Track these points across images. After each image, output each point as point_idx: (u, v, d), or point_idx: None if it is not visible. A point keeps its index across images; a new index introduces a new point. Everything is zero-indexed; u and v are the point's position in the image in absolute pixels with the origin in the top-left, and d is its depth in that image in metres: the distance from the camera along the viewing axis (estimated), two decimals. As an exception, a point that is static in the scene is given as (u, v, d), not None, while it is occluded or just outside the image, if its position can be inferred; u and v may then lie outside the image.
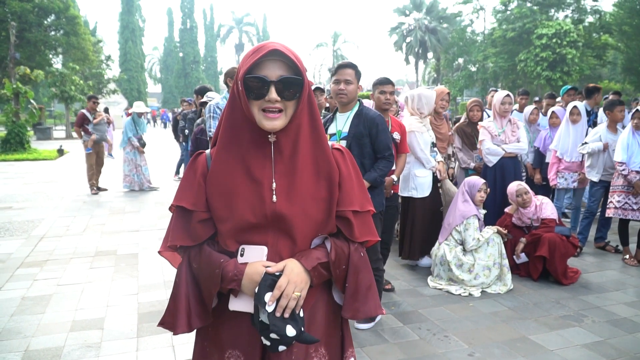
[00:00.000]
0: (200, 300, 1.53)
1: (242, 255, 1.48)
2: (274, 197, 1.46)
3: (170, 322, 1.54)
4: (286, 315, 1.39)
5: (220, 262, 1.47)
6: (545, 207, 5.04)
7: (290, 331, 1.37)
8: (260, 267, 1.43)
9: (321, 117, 4.85)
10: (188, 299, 1.53)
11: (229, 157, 1.49)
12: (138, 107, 10.51)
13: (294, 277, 1.43)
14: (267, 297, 1.38)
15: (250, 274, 1.43)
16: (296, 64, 1.42)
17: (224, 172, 1.49)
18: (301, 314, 1.44)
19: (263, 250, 1.48)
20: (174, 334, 1.54)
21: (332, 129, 3.75)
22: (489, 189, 5.02)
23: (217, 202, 1.49)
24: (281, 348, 1.39)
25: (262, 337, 1.40)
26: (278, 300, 1.39)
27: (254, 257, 1.47)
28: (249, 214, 1.46)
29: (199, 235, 1.51)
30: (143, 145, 10.25)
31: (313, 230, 1.52)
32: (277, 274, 1.42)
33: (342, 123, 3.72)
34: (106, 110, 18.66)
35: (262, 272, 1.41)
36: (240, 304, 1.48)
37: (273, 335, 1.37)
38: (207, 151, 1.58)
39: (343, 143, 3.60)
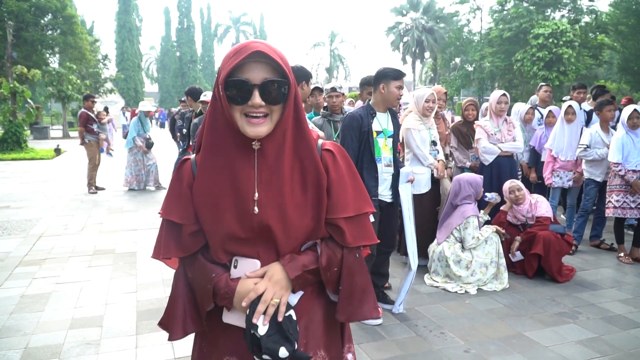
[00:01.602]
0: (196, 306, 1.52)
1: (235, 267, 1.46)
2: (256, 208, 1.40)
3: (167, 325, 1.55)
4: (265, 323, 1.37)
5: (212, 277, 1.44)
6: (540, 205, 5.09)
7: (283, 353, 1.35)
8: (252, 284, 1.40)
9: (319, 117, 4.90)
10: (184, 305, 1.52)
11: (213, 166, 1.42)
12: (144, 106, 10.49)
13: (274, 283, 1.41)
14: (258, 320, 1.37)
15: (241, 293, 1.40)
16: (281, 66, 1.34)
17: (209, 182, 1.43)
18: (297, 329, 1.41)
19: (256, 264, 1.44)
20: (169, 340, 1.54)
21: (377, 127, 4.01)
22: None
23: (204, 214, 1.45)
24: None
25: (254, 357, 1.39)
26: (256, 306, 1.38)
27: (247, 271, 1.45)
28: (235, 227, 1.42)
29: (190, 247, 1.49)
30: (150, 146, 10.22)
31: (303, 239, 1.47)
32: None
33: (385, 122, 4.08)
34: (106, 110, 18.73)
35: (251, 289, 1.40)
36: (233, 318, 1.47)
37: (266, 357, 1.35)
38: (193, 156, 1.51)
39: (390, 140, 4.08)
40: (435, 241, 4.97)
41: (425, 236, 5.09)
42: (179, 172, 1.52)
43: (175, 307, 1.52)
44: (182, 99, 11.90)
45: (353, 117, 3.97)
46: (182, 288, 1.53)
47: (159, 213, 1.55)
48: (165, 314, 1.57)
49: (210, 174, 1.43)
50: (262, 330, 1.36)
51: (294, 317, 1.41)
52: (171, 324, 1.52)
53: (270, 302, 1.38)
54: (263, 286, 1.40)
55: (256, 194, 1.40)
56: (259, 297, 1.39)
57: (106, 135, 10.10)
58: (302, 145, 1.44)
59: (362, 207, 1.51)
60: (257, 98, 1.31)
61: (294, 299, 1.47)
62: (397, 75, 3.96)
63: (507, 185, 5.19)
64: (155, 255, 1.57)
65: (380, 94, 4.02)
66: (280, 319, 1.39)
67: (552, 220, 5.08)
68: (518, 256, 5.03)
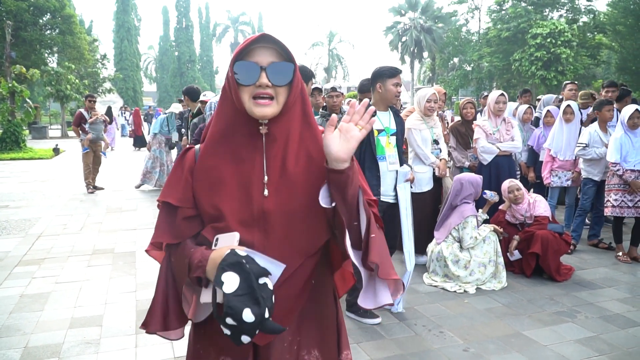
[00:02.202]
0: (178, 300, 1.50)
1: (215, 244, 1.40)
2: (265, 191, 1.42)
3: (148, 322, 1.52)
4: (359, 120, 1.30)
5: (190, 251, 1.42)
6: (539, 205, 5.11)
7: (248, 316, 1.21)
8: (226, 250, 1.33)
9: (318, 117, 4.93)
10: (166, 297, 1.50)
11: (218, 151, 1.46)
12: (177, 108, 10.54)
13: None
14: (225, 277, 1.24)
15: (214, 258, 1.33)
16: (287, 50, 1.41)
17: (212, 166, 1.45)
18: (272, 300, 1.29)
19: (234, 236, 1.39)
20: (146, 332, 1.50)
21: (378, 126, 4.01)
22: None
23: (204, 197, 1.45)
24: (244, 338, 1.25)
25: (221, 326, 1.26)
26: (239, 272, 1.26)
27: (226, 244, 1.37)
28: (237, 209, 1.42)
29: (183, 233, 1.47)
30: (172, 147, 10.31)
31: (305, 224, 1.44)
32: (243, 253, 1.31)
33: (387, 121, 4.06)
34: (109, 109, 18.72)
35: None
36: (209, 296, 1.34)
37: (229, 321, 1.22)
38: (197, 146, 1.53)
39: (393, 138, 4.06)
40: (434, 241, 4.99)
41: (427, 234, 5.11)
42: (181, 159, 1.54)
43: (156, 300, 1.50)
44: (181, 99, 11.92)
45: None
46: (164, 280, 1.51)
47: (157, 200, 1.55)
48: (147, 312, 1.54)
49: (214, 158, 1.46)
50: (229, 287, 1.23)
51: (270, 287, 1.30)
52: (150, 316, 1.50)
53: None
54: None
55: (265, 177, 1.43)
56: (239, 258, 1.29)
57: (96, 135, 10.09)
58: (308, 133, 1.48)
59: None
60: (264, 78, 1.38)
61: (277, 270, 1.37)
62: (393, 72, 3.96)
63: (506, 184, 5.21)
64: (149, 245, 1.57)
65: (378, 94, 4.03)
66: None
67: (551, 219, 5.10)
68: (516, 255, 5.04)
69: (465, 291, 4.62)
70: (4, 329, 3.80)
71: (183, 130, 10.36)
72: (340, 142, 1.30)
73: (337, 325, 1.64)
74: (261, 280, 1.28)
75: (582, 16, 32.10)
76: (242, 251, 1.32)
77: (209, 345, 1.52)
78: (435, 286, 4.75)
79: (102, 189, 10.26)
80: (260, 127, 1.43)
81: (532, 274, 4.99)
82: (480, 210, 5.08)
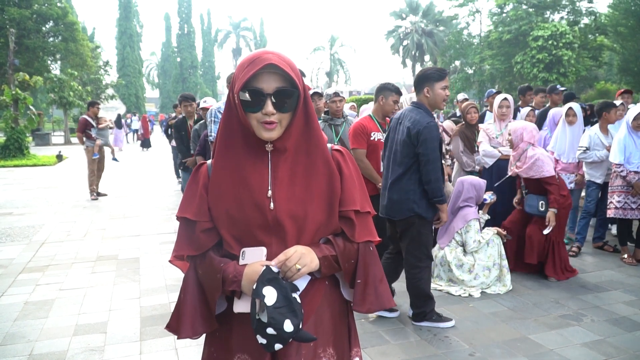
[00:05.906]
0: (206, 306, 1.55)
1: (243, 258, 1.50)
2: (272, 204, 1.48)
3: (175, 326, 1.57)
4: (290, 276, 1.43)
5: (220, 266, 1.49)
6: (541, 165, 4.85)
7: (288, 326, 1.35)
8: (259, 266, 1.44)
9: (320, 122, 4.92)
10: (194, 304, 1.55)
11: (227, 167, 1.52)
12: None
13: (302, 251, 1.46)
14: (265, 290, 1.37)
15: (249, 274, 1.44)
16: (291, 76, 1.43)
17: (224, 181, 1.52)
18: (302, 311, 1.43)
19: (262, 250, 1.49)
20: (178, 338, 1.57)
21: None
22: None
23: (219, 211, 1.52)
24: (277, 346, 1.37)
25: (257, 336, 1.38)
26: (276, 287, 1.39)
27: (254, 258, 1.48)
28: (250, 223, 1.50)
29: (202, 245, 1.54)
30: None
31: (315, 233, 1.54)
32: (276, 270, 1.43)
33: None
34: (118, 117, 18.78)
35: (260, 271, 1.42)
36: (243, 306, 1.49)
37: (270, 331, 1.35)
38: (209, 161, 1.60)
39: None
40: (437, 246, 4.97)
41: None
42: (195, 175, 1.60)
43: (185, 307, 1.56)
44: (175, 104, 11.94)
45: (434, 126, 3.68)
46: (192, 289, 1.57)
47: (176, 216, 1.62)
48: (174, 316, 1.60)
49: (224, 174, 1.52)
50: (270, 300, 1.35)
51: (299, 300, 1.43)
52: (180, 322, 1.55)
53: (294, 265, 1.43)
54: (292, 251, 1.45)
55: (269, 192, 1.49)
56: (274, 274, 1.42)
57: (105, 141, 10.09)
58: (313, 145, 1.54)
59: (365, 206, 1.62)
60: (269, 106, 1.42)
61: (302, 283, 1.51)
62: (441, 75, 3.73)
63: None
64: (172, 256, 1.65)
65: (426, 98, 3.78)
66: (293, 279, 1.43)
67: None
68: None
69: (470, 295, 4.60)
70: (9, 336, 3.80)
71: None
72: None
73: (348, 323, 1.71)
74: (293, 294, 1.42)
75: (584, 18, 32.06)
76: (275, 267, 1.44)
77: (223, 346, 1.58)
78: (440, 290, 4.73)
79: (105, 195, 10.27)
80: (267, 145, 1.50)
81: (536, 276, 4.98)
82: (480, 211, 5.06)
